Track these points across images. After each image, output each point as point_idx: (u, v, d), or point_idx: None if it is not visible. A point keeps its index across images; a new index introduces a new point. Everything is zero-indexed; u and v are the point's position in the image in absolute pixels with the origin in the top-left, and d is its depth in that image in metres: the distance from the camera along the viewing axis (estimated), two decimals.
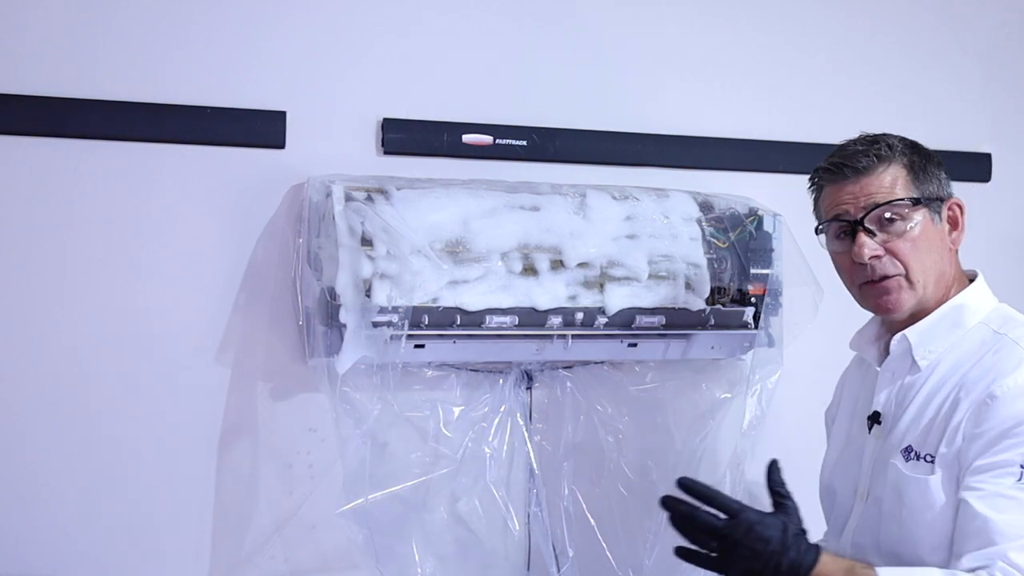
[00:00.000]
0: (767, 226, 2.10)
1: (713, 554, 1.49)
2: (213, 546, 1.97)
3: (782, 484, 1.56)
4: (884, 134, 1.67)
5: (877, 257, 1.60)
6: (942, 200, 1.64)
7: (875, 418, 1.67)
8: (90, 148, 1.89)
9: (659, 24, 2.26)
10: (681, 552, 1.53)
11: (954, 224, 1.65)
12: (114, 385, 1.91)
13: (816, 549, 1.48)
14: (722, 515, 1.48)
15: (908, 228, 1.60)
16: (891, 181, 1.61)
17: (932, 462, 1.56)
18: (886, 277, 1.61)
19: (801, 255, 2.09)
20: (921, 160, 1.63)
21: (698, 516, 1.49)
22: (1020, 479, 1.46)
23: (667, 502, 1.51)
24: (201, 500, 1.96)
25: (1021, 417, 1.48)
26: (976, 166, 2.51)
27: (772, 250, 2.09)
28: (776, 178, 2.33)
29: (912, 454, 1.59)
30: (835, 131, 2.33)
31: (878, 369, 1.69)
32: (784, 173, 2.34)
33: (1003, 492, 1.46)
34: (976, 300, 1.64)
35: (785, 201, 2.18)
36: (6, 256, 1.85)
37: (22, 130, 1.85)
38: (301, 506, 2.01)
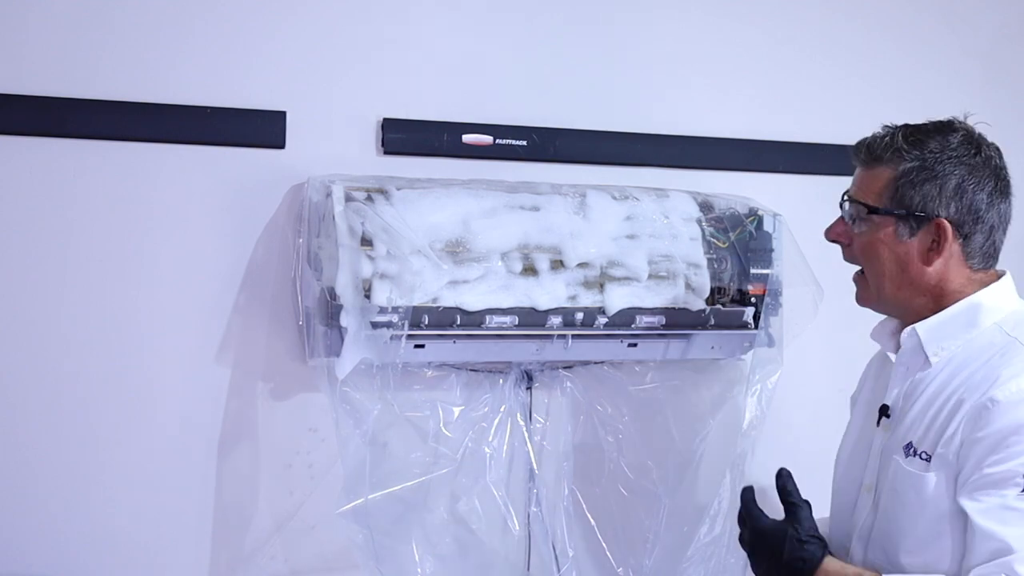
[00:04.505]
0: (767, 226, 2.10)
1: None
2: (213, 546, 1.97)
3: (789, 492, 1.68)
4: (906, 131, 1.61)
5: (840, 242, 1.68)
6: (922, 218, 1.57)
7: (884, 411, 1.67)
8: (90, 148, 1.89)
9: (659, 24, 2.26)
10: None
11: (936, 244, 1.58)
12: (114, 385, 1.91)
13: (820, 553, 1.60)
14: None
15: (860, 232, 1.64)
16: (871, 181, 1.62)
17: (928, 460, 1.56)
18: (854, 267, 1.69)
19: (801, 255, 2.10)
20: (921, 172, 1.58)
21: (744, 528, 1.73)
22: (1022, 489, 1.45)
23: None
24: (201, 500, 1.96)
25: (1021, 424, 1.47)
26: None
27: (772, 250, 2.09)
28: (776, 178, 2.33)
29: (911, 451, 1.59)
30: (835, 131, 2.35)
31: (894, 360, 1.70)
32: (784, 173, 2.34)
33: (1008, 504, 1.46)
34: (994, 300, 1.61)
35: (785, 201, 2.18)
36: (6, 256, 1.85)
37: (22, 130, 1.84)
38: (301, 506, 2.01)
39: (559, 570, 2.07)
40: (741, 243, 2.09)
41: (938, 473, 1.54)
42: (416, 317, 1.84)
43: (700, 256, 2.06)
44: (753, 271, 2.09)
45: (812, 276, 2.08)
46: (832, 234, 1.68)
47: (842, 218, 1.67)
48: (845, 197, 1.67)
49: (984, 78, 2.54)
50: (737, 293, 2.10)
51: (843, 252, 1.69)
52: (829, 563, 1.59)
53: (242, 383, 1.97)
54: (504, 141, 2.11)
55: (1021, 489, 1.45)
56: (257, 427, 1.99)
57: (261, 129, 1.96)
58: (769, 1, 2.35)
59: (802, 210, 2.20)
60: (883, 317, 1.74)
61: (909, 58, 2.47)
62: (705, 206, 2.12)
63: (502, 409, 2.06)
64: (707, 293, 2.06)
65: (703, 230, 2.08)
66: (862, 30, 2.43)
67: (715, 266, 2.08)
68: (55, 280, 1.87)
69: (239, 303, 1.97)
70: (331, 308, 1.83)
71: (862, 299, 1.69)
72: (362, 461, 1.87)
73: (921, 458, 1.57)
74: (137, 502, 1.93)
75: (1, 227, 1.85)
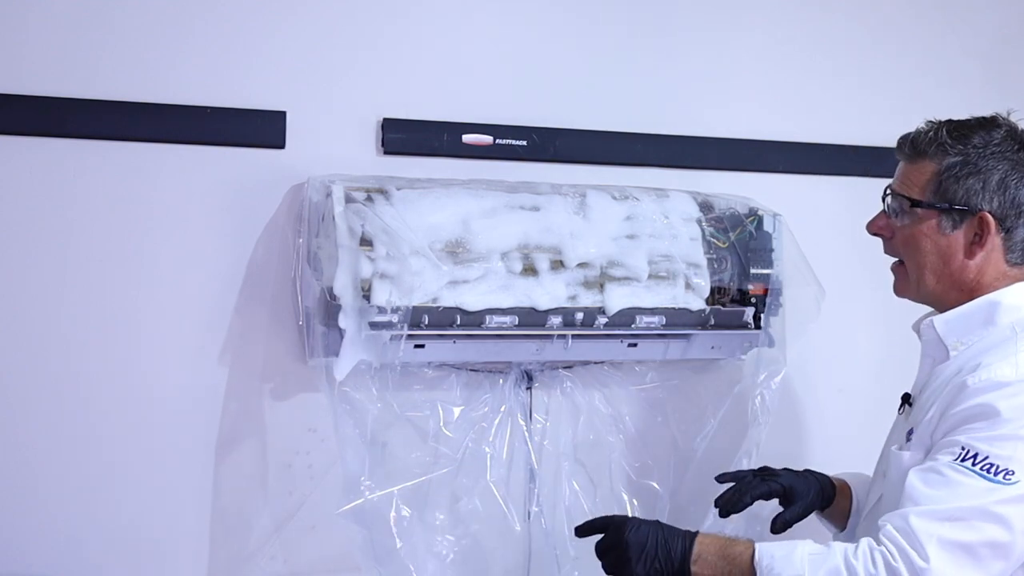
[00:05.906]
0: (767, 226, 2.10)
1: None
2: (213, 546, 1.97)
3: None
4: (950, 126, 1.63)
5: (882, 235, 1.70)
6: (965, 211, 1.60)
7: (906, 399, 1.71)
8: (90, 148, 1.89)
9: (659, 24, 2.26)
10: None
11: (979, 238, 1.60)
12: (114, 385, 1.91)
13: (689, 536, 1.57)
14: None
15: (903, 224, 1.65)
16: (915, 175, 1.64)
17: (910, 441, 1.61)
18: (894, 258, 1.70)
19: (801, 255, 2.10)
20: (965, 167, 1.60)
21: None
22: (957, 458, 1.48)
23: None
24: (201, 500, 1.96)
25: (983, 408, 1.50)
26: None
27: (772, 250, 2.09)
28: (776, 178, 2.33)
29: (910, 437, 1.63)
30: (835, 131, 2.35)
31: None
32: (784, 173, 2.34)
33: (938, 468, 1.49)
34: (1016, 299, 1.61)
35: (785, 201, 2.18)
36: (6, 256, 1.85)
37: (22, 130, 1.84)
38: (301, 506, 2.01)
39: (559, 570, 2.07)
40: (741, 243, 2.09)
41: (914, 452, 1.58)
42: (416, 317, 1.84)
43: (700, 256, 2.06)
44: (753, 271, 2.09)
45: (813, 276, 2.08)
46: (874, 227, 1.70)
47: (884, 212, 1.69)
48: (888, 191, 1.69)
49: (984, 78, 2.54)
50: (737, 293, 2.10)
51: (884, 245, 1.71)
52: (700, 539, 1.58)
53: (242, 383, 1.97)
54: (504, 141, 2.11)
55: (955, 457, 1.48)
56: (257, 427, 1.98)
57: (261, 129, 1.96)
58: (769, 1, 2.35)
59: (802, 210, 2.20)
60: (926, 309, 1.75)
61: (909, 58, 2.47)
62: (705, 206, 2.11)
63: (502, 409, 2.06)
64: (707, 293, 2.06)
65: (703, 230, 2.08)
66: (862, 30, 2.43)
67: (715, 266, 2.08)
68: (55, 280, 1.87)
69: (239, 303, 1.97)
70: (331, 308, 1.83)
71: (900, 290, 1.71)
72: (362, 461, 1.87)
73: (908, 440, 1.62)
74: (137, 502, 1.92)
75: (1, 227, 1.85)
